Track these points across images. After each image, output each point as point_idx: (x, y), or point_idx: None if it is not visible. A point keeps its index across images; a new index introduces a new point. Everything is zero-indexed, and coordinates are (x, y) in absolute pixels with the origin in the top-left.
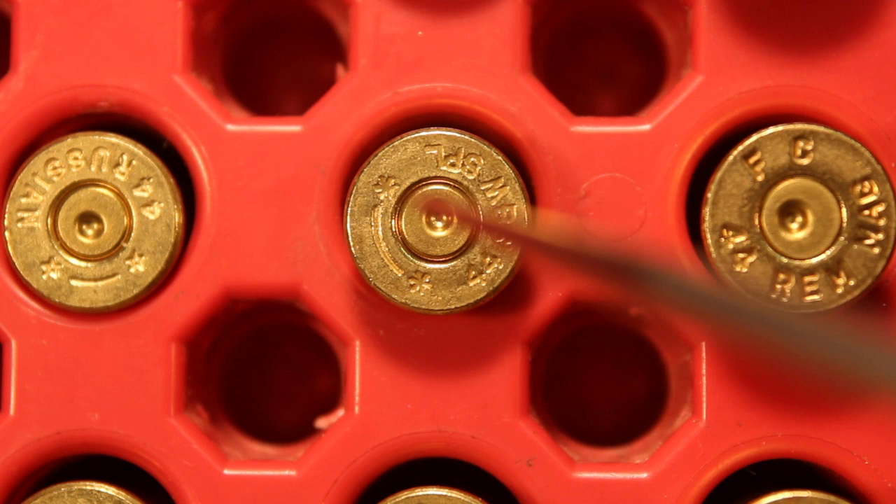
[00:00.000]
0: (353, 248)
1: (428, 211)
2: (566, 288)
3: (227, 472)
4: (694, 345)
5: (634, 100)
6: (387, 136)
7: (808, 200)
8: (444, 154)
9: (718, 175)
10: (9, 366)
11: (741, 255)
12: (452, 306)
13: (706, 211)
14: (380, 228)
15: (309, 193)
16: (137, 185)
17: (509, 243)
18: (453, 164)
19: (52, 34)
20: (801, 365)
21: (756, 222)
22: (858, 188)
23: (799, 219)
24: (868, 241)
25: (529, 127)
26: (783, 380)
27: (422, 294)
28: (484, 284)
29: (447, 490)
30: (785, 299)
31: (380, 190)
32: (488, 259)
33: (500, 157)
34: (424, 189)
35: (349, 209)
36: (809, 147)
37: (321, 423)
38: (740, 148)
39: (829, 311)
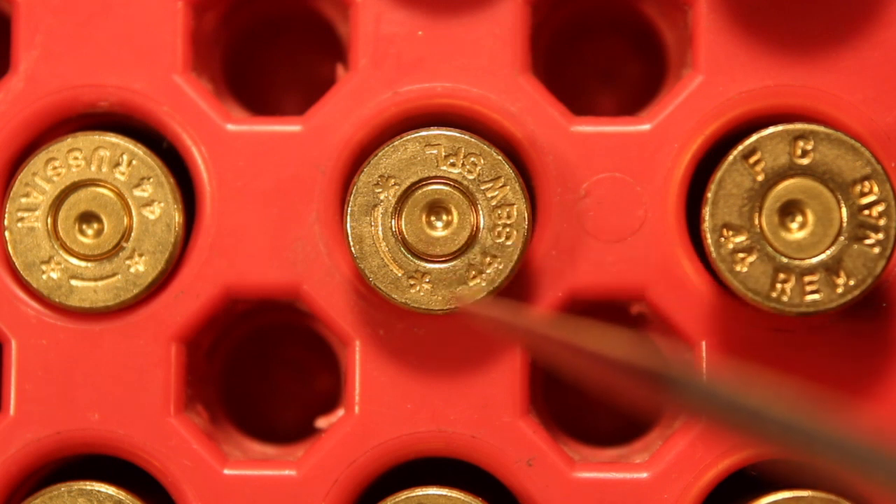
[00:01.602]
0: (353, 248)
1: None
2: (566, 288)
3: (227, 471)
4: (694, 344)
5: (634, 100)
6: (387, 136)
7: (808, 200)
8: (444, 154)
9: (718, 175)
10: (9, 366)
11: (741, 255)
12: (452, 306)
13: (706, 211)
14: (380, 228)
15: (309, 193)
16: (137, 185)
17: (531, 345)
18: (453, 164)
19: (52, 34)
20: (823, 468)
21: (756, 222)
22: (858, 188)
23: (799, 218)
24: (868, 241)
25: (529, 127)
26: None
27: (422, 294)
28: (484, 284)
29: (447, 490)
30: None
31: (380, 190)
32: (488, 259)
33: (500, 157)
34: (425, 188)
35: (349, 209)
36: (809, 147)
37: (321, 423)
38: (740, 148)
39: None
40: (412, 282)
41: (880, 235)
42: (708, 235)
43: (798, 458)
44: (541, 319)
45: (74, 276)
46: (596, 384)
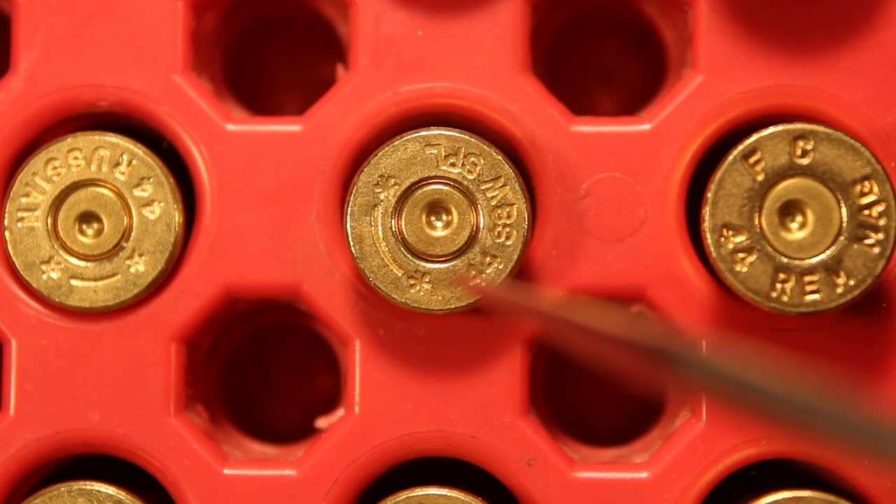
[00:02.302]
0: (353, 248)
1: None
2: (566, 288)
3: (227, 471)
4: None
5: (634, 100)
6: (387, 136)
7: (808, 200)
8: (444, 154)
9: (718, 175)
10: (9, 366)
11: (741, 255)
12: (452, 306)
13: (706, 211)
14: (380, 228)
15: (309, 193)
16: (137, 185)
17: (529, 320)
18: (453, 164)
19: (52, 34)
20: (827, 443)
21: (756, 222)
22: (858, 188)
23: (799, 218)
24: (868, 241)
25: (529, 127)
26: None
27: (422, 294)
28: (484, 285)
29: (447, 490)
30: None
31: (380, 190)
32: (488, 259)
33: (500, 157)
34: (425, 188)
35: (349, 209)
36: (809, 147)
37: (321, 423)
38: (740, 148)
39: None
40: (412, 282)
41: (880, 235)
42: (708, 235)
43: (798, 433)
44: (549, 299)
45: (74, 276)
46: (602, 362)
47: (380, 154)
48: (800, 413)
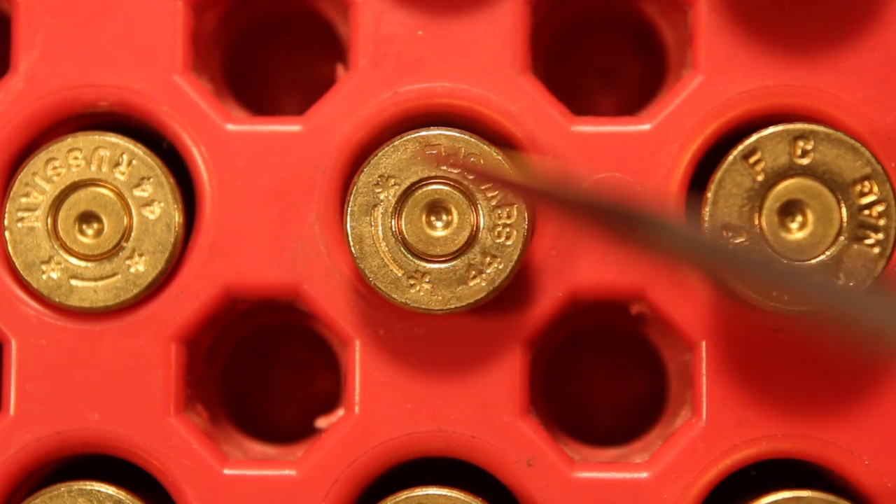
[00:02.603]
0: (353, 248)
1: (425, 161)
2: (566, 288)
3: (227, 471)
4: (694, 344)
5: (634, 100)
6: (387, 136)
7: (808, 200)
8: (444, 154)
9: (718, 175)
10: (9, 366)
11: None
12: (452, 306)
13: (706, 211)
14: (380, 228)
15: (309, 193)
16: (137, 185)
17: (506, 192)
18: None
19: (52, 34)
20: (796, 309)
21: (756, 222)
22: (858, 188)
23: (799, 219)
24: (868, 241)
25: (529, 127)
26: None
27: (422, 294)
28: (484, 284)
29: (447, 490)
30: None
31: (380, 190)
32: (488, 259)
33: (500, 157)
34: (425, 188)
35: (349, 209)
36: (809, 147)
37: (321, 423)
38: (740, 148)
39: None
40: (412, 282)
41: (880, 235)
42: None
43: (770, 296)
44: (542, 178)
45: (74, 276)
46: (586, 229)
47: (380, 154)
48: (773, 275)
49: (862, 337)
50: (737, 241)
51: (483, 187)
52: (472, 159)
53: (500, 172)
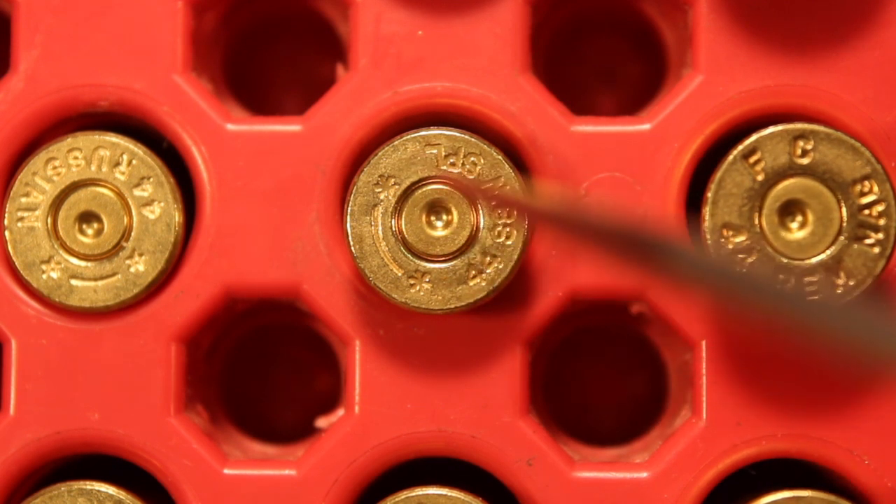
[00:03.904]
0: (353, 248)
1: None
2: (566, 288)
3: (227, 471)
4: (694, 344)
5: (634, 100)
6: (387, 136)
7: (808, 200)
8: (444, 153)
9: (718, 175)
10: (9, 366)
11: (741, 255)
12: (452, 306)
13: (706, 211)
14: (380, 228)
15: (309, 193)
16: (137, 185)
17: (516, 213)
18: (453, 164)
19: (52, 34)
20: (808, 341)
21: (756, 222)
22: (858, 188)
23: (799, 218)
24: (868, 241)
25: (529, 127)
26: (787, 355)
27: (422, 294)
28: (484, 284)
29: (447, 490)
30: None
31: (380, 189)
32: (488, 259)
33: (500, 157)
34: (425, 188)
35: (349, 209)
36: (809, 147)
37: (321, 422)
38: (740, 147)
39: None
40: (412, 281)
41: (880, 235)
42: (708, 235)
43: (784, 326)
44: (552, 200)
45: (74, 276)
46: (596, 252)
47: (380, 154)
48: (786, 304)
49: (864, 360)
50: (747, 262)
51: (499, 212)
52: (472, 159)
53: (516, 199)
